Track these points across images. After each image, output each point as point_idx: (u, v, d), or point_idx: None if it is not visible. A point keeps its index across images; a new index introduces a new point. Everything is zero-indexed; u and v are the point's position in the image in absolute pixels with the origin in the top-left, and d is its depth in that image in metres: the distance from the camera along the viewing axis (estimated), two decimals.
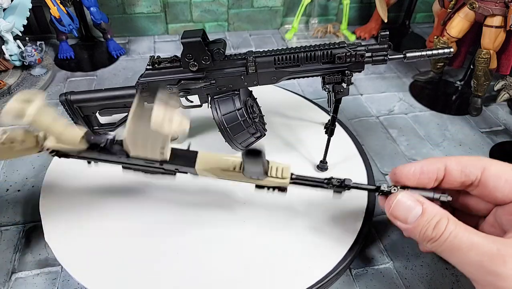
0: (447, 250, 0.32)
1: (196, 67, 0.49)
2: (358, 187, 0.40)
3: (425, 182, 0.38)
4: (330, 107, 0.52)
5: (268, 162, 0.40)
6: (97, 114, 0.56)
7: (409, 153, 0.63)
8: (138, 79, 0.52)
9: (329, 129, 0.52)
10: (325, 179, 0.41)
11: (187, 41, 0.48)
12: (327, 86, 0.50)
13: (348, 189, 0.41)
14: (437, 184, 0.38)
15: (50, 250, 0.45)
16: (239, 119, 0.51)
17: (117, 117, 0.57)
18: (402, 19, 0.96)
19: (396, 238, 0.50)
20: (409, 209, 0.35)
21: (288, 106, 0.68)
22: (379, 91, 0.77)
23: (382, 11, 0.83)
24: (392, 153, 0.63)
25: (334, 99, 0.49)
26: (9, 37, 0.69)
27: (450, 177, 0.37)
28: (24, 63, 0.73)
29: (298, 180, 0.41)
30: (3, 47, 0.71)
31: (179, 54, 0.50)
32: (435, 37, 0.70)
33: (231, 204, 0.51)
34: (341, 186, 0.41)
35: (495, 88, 0.77)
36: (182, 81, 0.51)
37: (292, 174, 0.41)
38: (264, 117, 0.59)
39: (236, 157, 0.41)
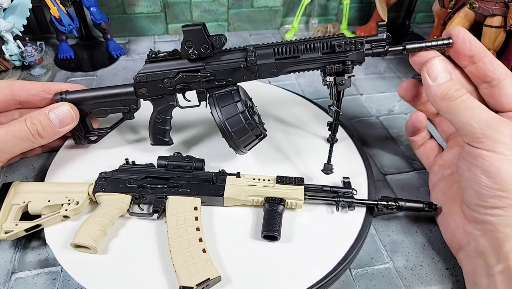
0: (461, 108, 0.41)
1: (196, 56, 0.49)
2: None
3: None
4: (333, 102, 0.51)
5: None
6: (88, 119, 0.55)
7: (409, 153, 0.63)
8: (136, 74, 0.52)
9: (333, 125, 0.52)
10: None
11: (188, 28, 0.48)
12: (328, 79, 0.49)
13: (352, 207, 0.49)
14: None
15: (50, 250, 0.45)
16: (243, 122, 0.50)
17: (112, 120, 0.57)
18: (402, 19, 0.96)
19: (396, 238, 0.50)
20: (441, 71, 0.43)
21: (288, 107, 0.68)
22: (379, 91, 0.77)
23: (382, 11, 0.82)
24: (392, 153, 0.63)
25: (336, 92, 0.49)
26: (9, 37, 0.69)
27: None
28: (24, 63, 0.73)
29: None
30: (3, 47, 0.70)
31: None
32: (435, 37, 0.70)
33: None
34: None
35: None
36: (181, 74, 0.51)
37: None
38: (261, 117, 0.58)
39: None
